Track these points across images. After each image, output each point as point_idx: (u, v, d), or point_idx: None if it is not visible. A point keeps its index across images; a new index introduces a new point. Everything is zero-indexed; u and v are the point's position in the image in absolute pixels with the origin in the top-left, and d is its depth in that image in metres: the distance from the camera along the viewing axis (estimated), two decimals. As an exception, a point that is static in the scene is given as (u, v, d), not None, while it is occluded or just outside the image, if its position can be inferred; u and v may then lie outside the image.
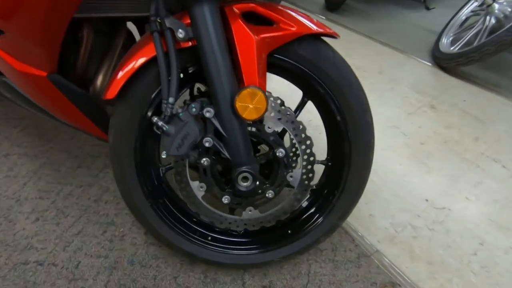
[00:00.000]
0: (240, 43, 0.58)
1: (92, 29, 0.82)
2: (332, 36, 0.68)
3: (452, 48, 1.82)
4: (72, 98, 0.74)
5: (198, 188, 0.73)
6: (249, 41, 0.58)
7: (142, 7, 0.69)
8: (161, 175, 0.79)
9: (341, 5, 2.50)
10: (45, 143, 1.27)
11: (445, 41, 1.91)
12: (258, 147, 0.84)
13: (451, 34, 1.94)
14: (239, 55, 0.58)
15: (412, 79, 1.75)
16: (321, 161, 0.81)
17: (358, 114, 0.70)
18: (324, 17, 2.44)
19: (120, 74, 0.62)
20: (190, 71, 0.69)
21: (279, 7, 0.64)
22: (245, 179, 0.67)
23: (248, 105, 0.58)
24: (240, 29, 0.58)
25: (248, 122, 0.68)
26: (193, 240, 0.80)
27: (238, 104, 0.58)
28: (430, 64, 1.89)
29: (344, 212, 0.79)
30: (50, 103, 0.77)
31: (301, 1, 2.68)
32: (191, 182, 0.73)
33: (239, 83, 0.61)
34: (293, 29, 0.60)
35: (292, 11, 0.65)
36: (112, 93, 0.63)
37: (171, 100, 0.60)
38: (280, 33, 0.60)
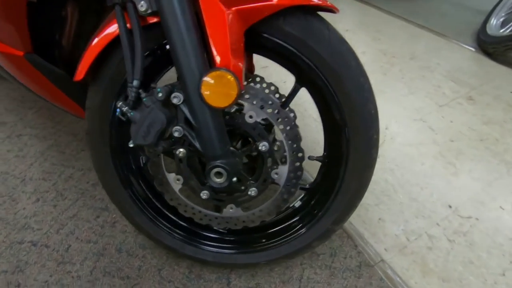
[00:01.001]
0: (209, 17, 0.49)
1: (77, 8, 0.78)
2: (330, 10, 0.57)
3: (502, 30, 1.57)
4: (51, 78, 0.71)
5: (174, 180, 0.67)
6: (219, 15, 0.49)
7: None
8: (141, 164, 0.75)
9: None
10: (54, 125, 1.29)
11: (494, 22, 1.65)
12: (249, 139, 0.76)
13: (503, 14, 1.66)
14: (208, 31, 0.50)
15: (449, 66, 1.53)
16: (317, 157, 0.72)
17: (357, 104, 0.59)
18: (353, -3, 2.22)
19: (87, 53, 0.57)
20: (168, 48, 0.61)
21: None
22: (218, 174, 0.60)
23: (215, 90, 0.50)
24: (209, 0, 0.49)
25: (226, 110, 0.60)
26: (174, 234, 0.75)
27: (204, 89, 0.50)
28: (473, 49, 1.65)
29: (339, 216, 0.69)
30: (32, 83, 0.75)
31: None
32: (167, 174, 0.67)
33: (211, 65, 0.53)
34: (275, -1, 0.50)
35: None
36: (79, 74, 0.58)
37: (135, 83, 0.54)
38: (258, 4, 0.50)
